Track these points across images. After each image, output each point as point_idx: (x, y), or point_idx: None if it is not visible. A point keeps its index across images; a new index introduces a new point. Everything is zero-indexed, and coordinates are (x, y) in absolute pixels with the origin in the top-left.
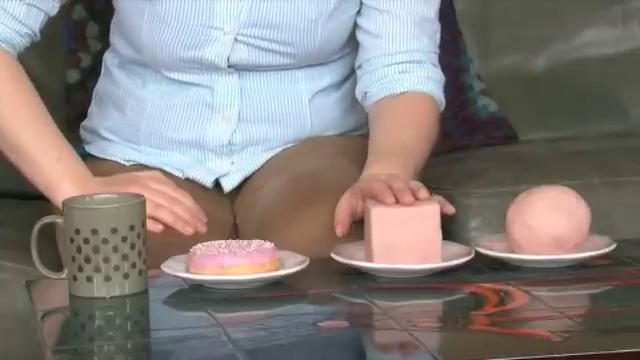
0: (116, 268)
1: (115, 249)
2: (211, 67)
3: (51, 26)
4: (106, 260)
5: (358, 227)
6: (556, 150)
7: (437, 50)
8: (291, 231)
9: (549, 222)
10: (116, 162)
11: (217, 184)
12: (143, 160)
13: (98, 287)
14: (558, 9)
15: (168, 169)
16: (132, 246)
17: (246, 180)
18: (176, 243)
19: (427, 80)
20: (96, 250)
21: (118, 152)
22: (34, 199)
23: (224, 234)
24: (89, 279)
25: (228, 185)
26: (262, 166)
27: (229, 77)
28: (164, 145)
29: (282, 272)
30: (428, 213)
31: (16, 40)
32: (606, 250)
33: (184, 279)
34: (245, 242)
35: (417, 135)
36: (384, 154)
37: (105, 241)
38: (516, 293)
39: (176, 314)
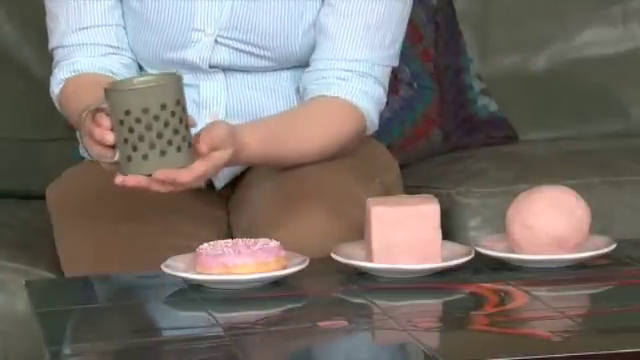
0: (169, 142)
1: (166, 124)
2: (194, 67)
3: None
4: (159, 136)
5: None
6: (556, 150)
7: (393, 63)
8: (282, 235)
9: (549, 222)
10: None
11: (210, 183)
12: None
13: (154, 163)
14: (558, 9)
15: None
16: (180, 120)
17: (239, 177)
18: (175, 246)
19: (361, 94)
20: (148, 128)
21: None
22: (34, 199)
23: (220, 232)
24: (145, 157)
25: (219, 183)
26: None
27: (215, 75)
28: None
29: (282, 272)
30: (428, 213)
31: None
32: (606, 250)
33: (184, 279)
34: (251, 241)
35: (309, 132)
36: (260, 124)
37: (156, 118)
38: (516, 293)
39: (176, 314)
